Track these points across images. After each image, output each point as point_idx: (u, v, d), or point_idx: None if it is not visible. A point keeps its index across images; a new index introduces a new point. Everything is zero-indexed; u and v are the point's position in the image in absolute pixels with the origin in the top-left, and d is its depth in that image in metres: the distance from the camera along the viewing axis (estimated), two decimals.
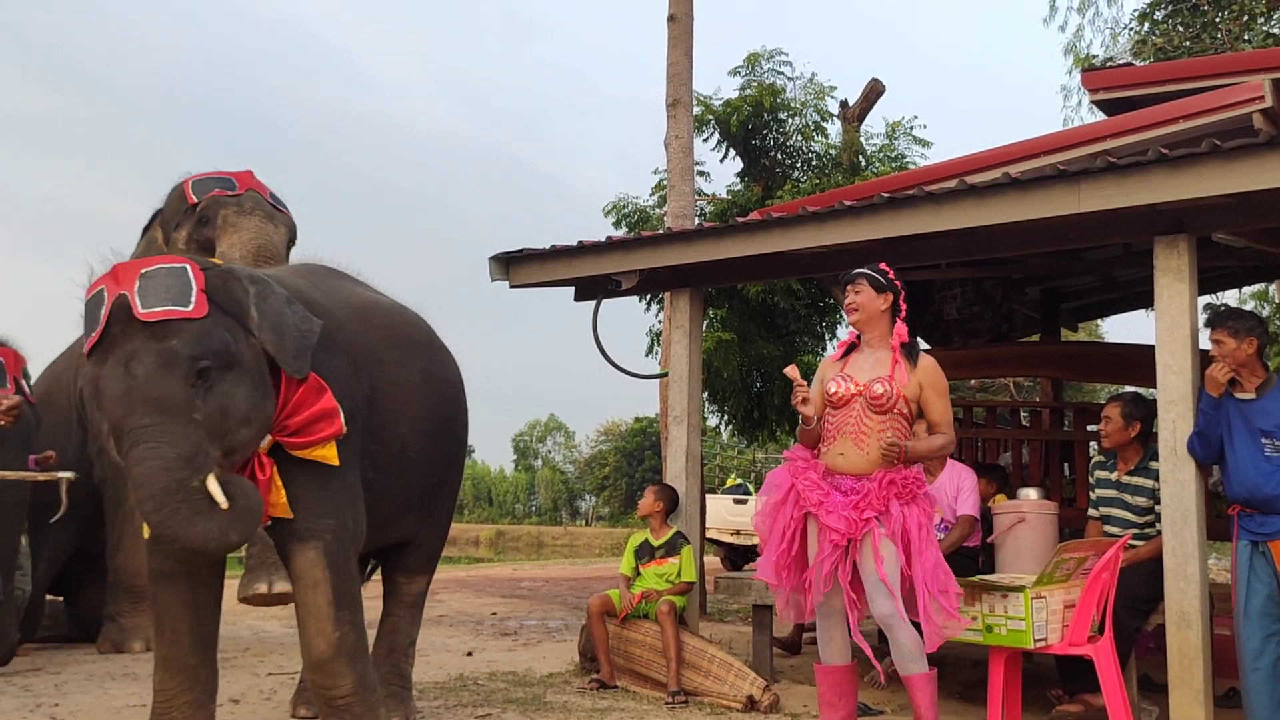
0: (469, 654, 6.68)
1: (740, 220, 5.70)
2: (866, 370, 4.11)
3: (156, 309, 3.27)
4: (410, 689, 4.61)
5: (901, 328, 4.18)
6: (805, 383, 4.09)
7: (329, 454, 3.61)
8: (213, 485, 3.25)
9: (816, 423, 4.14)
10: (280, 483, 3.56)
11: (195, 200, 4.79)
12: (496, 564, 21.24)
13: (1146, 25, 14.40)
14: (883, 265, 4.29)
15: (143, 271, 3.34)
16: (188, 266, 3.41)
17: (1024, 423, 8.89)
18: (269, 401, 3.50)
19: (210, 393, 3.30)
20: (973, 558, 5.43)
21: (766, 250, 5.39)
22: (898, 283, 4.25)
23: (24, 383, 5.58)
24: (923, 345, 8.58)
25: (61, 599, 7.16)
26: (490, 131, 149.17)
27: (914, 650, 3.92)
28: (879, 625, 4.00)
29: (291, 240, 5.13)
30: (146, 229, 5.15)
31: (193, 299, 3.33)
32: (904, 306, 4.23)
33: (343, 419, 3.63)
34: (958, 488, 5.44)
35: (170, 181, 5.31)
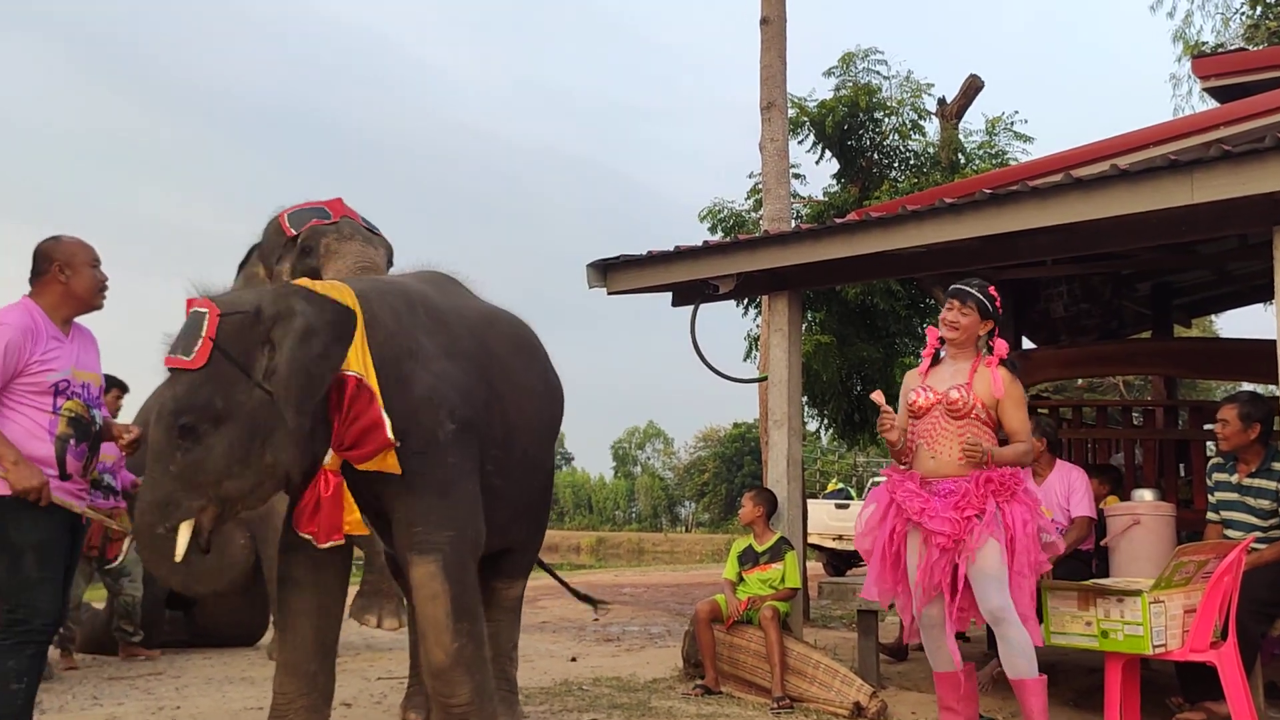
0: (573, 659, 6.73)
1: (838, 221, 5.64)
2: (946, 380, 4.19)
3: (171, 356, 3.42)
4: (516, 693, 4.66)
5: (1002, 344, 4.24)
6: (891, 409, 4.19)
7: (391, 463, 3.60)
8: (182, 535, 3.38)
9: (902, 443, 4.20)
10: (352, 500, 3.59)
11: (294, 233, 4.92)
12: (598, 570, 21.38)
13: (1259, 9, 13.84)
14: (992, 290, 4.28)
15: (188, 314, 3.46)
16: (206, 313, 3.43)
17: (1135, 422, 8.59)
18: (268, 453, 3.45)
19: (193, 446, 3.36)
20: (1085, 561, 5.28)
21: (866, 251, 5.32)
22: (999, 311, 4.32)
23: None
24: (1028, 344, 8.42)
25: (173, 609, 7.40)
26: (580, 139, 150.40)
27: (1026, 649, 3.87)
28: (989, 623, 3.93)
29: (389, 260, 5.26)
30: (244, 264, 5.29)
31: (196, 349, 3.38)
32: (997, 339, 4.27)
33: (389, 430, 3.54)
34: (1069, 488, 5.30)
35: (264, 211, 5.43)
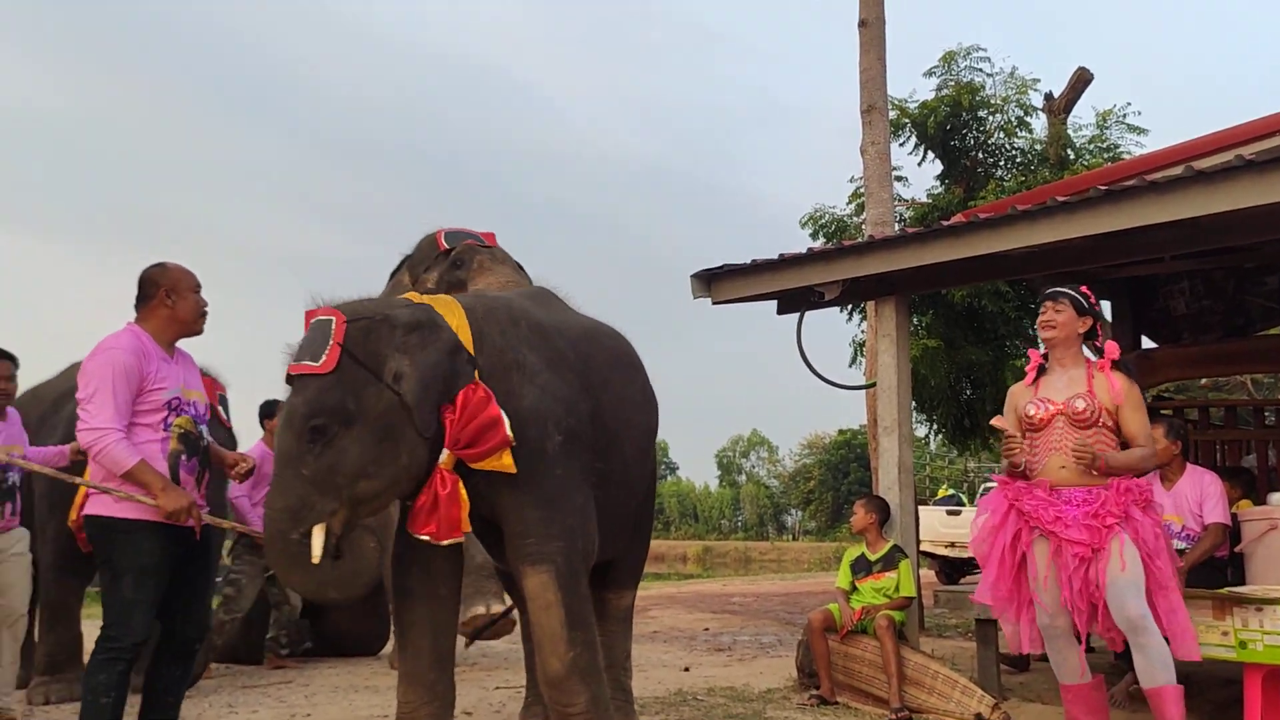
0: (686, 669, 6.74)
1: (945, 223, 5.55)
2: (1062, 389, 4.07)
3: (297, 364, 3.49)
4: (632, 703, 4.69)
5: (1112, 346, 4.13)
6: (1017, 435, 4.10)
7: (506, 462, 3.63)
8: (316, 539, 3.42)
9: (1023, 465, 4.09)
10: (466, 498, 3.61)
11: (448, 247, 5.06)
12: (705, 580, 21.33)
13: None
14: (1084, 289, 4.18)
15: (311, 322, 3.55)
16: (333, 319, 3.52)
17: (1268, 422, 8.23)
18: (402, 453, 3.53)
19: (326, 449, 3.43)
20: (1220, 569, 5.07)
21: (974, 253, 5.23)
22: (1097, 307, 4.21)
23: (222, 410, 5.98)
24: (1148, 344, 8.14)
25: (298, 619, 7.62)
26: (678, 151, 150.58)
27: (1164, 658, 3.75)
28: (1125, 633, 3.81)
29: None
30: (395, 273, 5.46)
31: (324, 354, 3.46)
32: (1101, 333, 4.18)
33: (508, 428, 3.60)
34: (1202, 493, 5.09)
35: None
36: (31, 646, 5.87)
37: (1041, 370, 4.22)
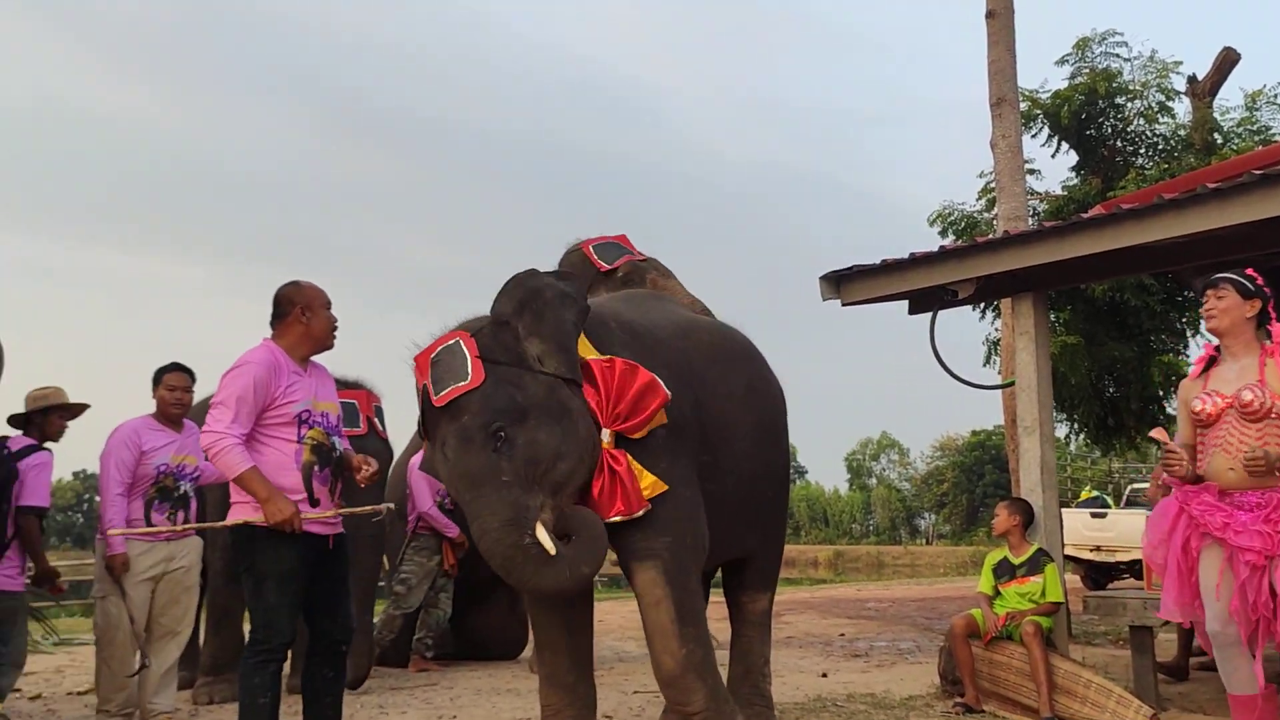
0: (824, 675, 6.67)
1: (1085, 216, 5.37)
2: (1231, 380, 3.82)
3: (444, 391, 3.55)
4: (772, 709, 4.67)
5: None
6: (1178, 449, 3.89)
7: (662, 416, 3.73)
8: (542, 535, 3.46)
9: (1191, 473, 3.87)
10: (640, 466, 3.68)
11: (606, 266, 5.13)
12: (839, 585, 21.06)
13: None
14: (1250, 270, 3.94)
15: (431, 359, 3.62)
16: (459, 340, 3.61)
17: None
18: (580, 426, 3.61)
19: (514, 449, 3.49)
20: None
21: (1118, 245, 5.04)
22: (1266, 289, 3.92)
23: (377, 421, 6.16)
24: None
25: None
26: (802, 151, 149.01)
27: None
28: None
29: None
30: None
31: (469, 370, 3.54)
32: (1274, 314, 3.89)
33: (664, 387, 3.70)
34: None
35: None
36: (196, 649, 6.20)
37: (1212, 362, 3.98)
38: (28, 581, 4.87)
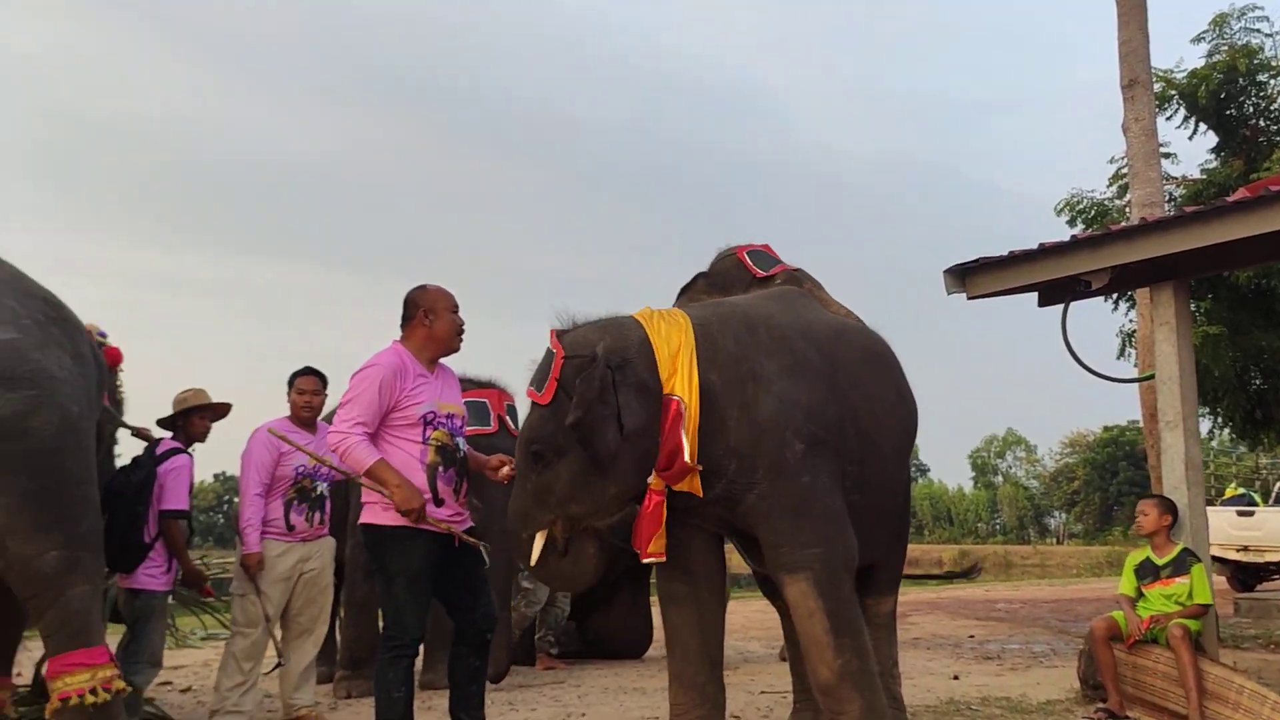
0: (955, 678, 6.51)
1: (1230, 199, 5.11)
2: None
3: (531, 389, 3.81)
4: (904, 711, 4.59)
5: None
6: None
7: (696, 485, 3.76)
8: (536, 543, 3.80)
9: None
10: (664, 518, 3.76)
11: (762, 273, 5.11)
12: (966, 585, 20.54)
13: None
14: None
15: (545, 352, 3.78)
16: (555, 354, 3.74)
17: None
18: (611, 483, 3.71)
19: (543, 472, 3.72)
20: None
21: (1267, 229, 4.78)
22: None
23: (509, 419, 6.24)
24: None
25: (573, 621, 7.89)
26: (919, 142, 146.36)
27: None
28: None
29: None
30: (687, 288, 5.55)
31: (545, 385, 3.72)
32: None
33: (687, 453, 3.68)
34: None
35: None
36: (333, 644, 6.40)
37: None
38: (177, 581, 5.08)
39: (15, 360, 3.65)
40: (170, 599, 5.11)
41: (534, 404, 3.78)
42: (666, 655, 4.06)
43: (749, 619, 10.26)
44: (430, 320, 4.00)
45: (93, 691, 3.67)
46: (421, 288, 4.09)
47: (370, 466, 3.77)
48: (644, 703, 5.63)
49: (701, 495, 3.76)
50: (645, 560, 3.81)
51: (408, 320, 4.05)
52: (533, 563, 3.84)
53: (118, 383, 5.30)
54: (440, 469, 3.94)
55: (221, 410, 5.29)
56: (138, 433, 5.11)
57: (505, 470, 4.04)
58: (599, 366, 3.65)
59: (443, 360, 4.13)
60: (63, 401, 3.74)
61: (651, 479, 3.75)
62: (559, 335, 3.81)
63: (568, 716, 5.31)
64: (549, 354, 3.76)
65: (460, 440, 4.07)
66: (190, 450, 5.13)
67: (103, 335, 5.29)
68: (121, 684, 3.76)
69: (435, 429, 3.95)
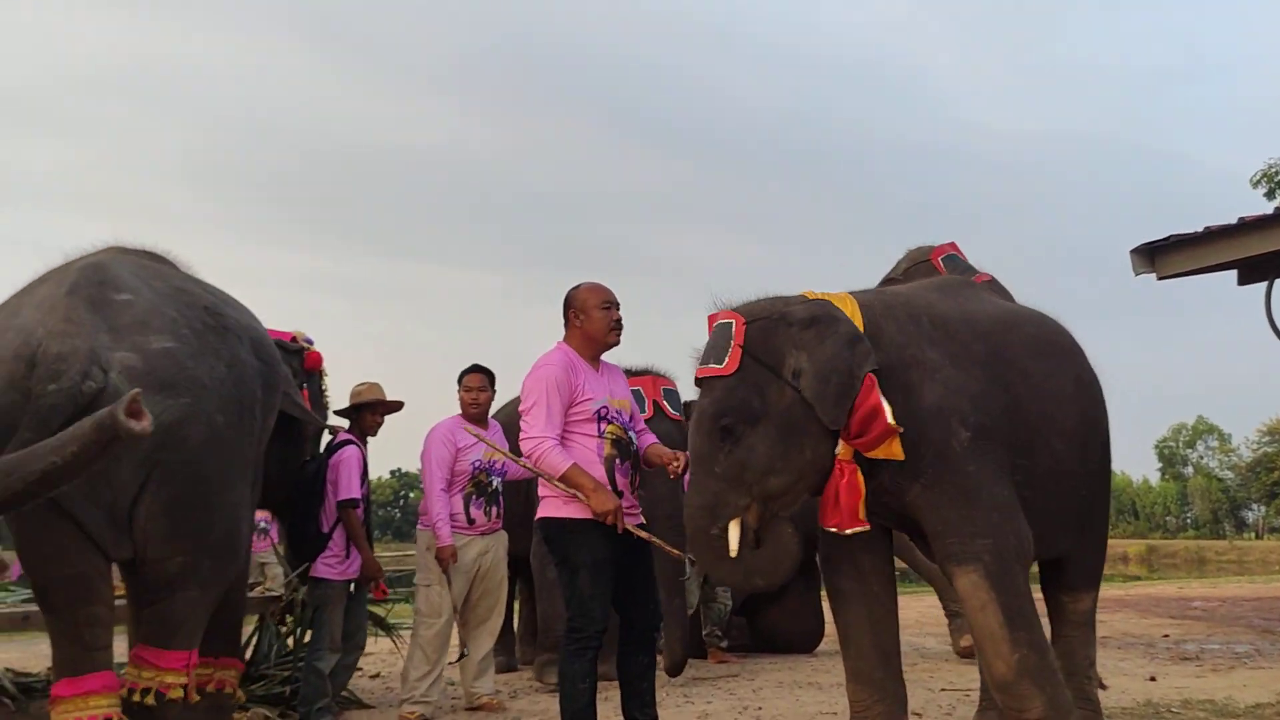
0: (1151, 679, 6.17)
1: None
2: None
3: (703, 367, 3.63)
4: (1100, 713, 4.36)
5: None
6: None
7: (895, 450, 3.58)
8: (732, 533, 3.52)
9: None
10: (862, 486, 3.59)
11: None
12: (1156, 582, 19.52)
13: None
14: None
15: (714, 326, 3.66)
16: (733, 323, 3.61)
17: None
18: (809, 448, 3.57)
19: (735, 446, 3.52)
20: None
21: None
22: None
23: (667, 404, 6.24)
24: None
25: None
26: (1091, 116, 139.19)
27: None
28: None
29: None
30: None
31: (727, 356, 3.57)
32: None
33: (889, 415, 3.53)
34: None
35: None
36: (511, 636, 6.57)
37: None
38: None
39: (173, 369, 3.83)
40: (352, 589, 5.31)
41: (711, 380, 3.63)
42: (841, 652, 3.99)
43: (923, 614, 10.01)
44: (581, 320, 4.09)
45: (144, 692, 3.77)
46: (575, 288, 4.18)
47: (565, 472, 3.85)
48: (820, 698, 5.56)
49: (902, 458, 3.63)
50: (848, 532, 3.62)
51: (566, 320, 4.15)
52: (733, 554, 3.57)
53: (322, 386, 5.62)
54: (617, 461, 3.99)
55: (393, 406, 5.51)
56: (334, 432, 5.38)
57: (676, 465, 4.04)
58: (800, 321, 3.63)
59: (605, 357, 4.19)
60: (210, 411, 3.91)
61: (840, 450, 3.62)
62: (732, 309, 3.75)
63: (743, 710, 5.28)
64: (722, 326, 3.66)
65: (633, 434, 4.13)
66: (362, 442, 5.34)
67: (308, 341, 5.63)
68: (178, 694, 3.86)
69: (609, 423, 4.01)
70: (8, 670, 5.18)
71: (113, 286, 3.95)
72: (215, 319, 4.21)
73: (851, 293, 3.99)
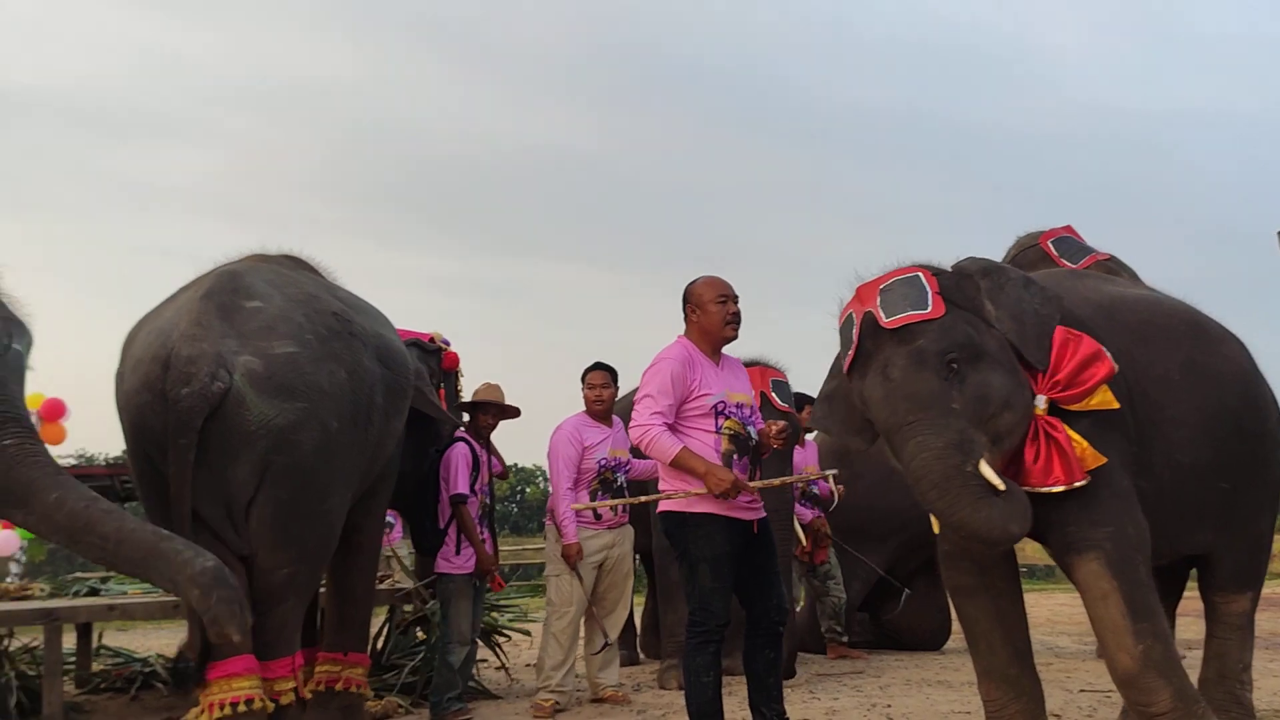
0: None
1: None
2: None
3: (899, 316, 3.45)
4: (1253, 717, 4.15)
5: None
6: None
7: (1107, 398, 3.48)
8: (986, 470, 3.29)
9: None
10: (1078, 434, 3.45)
11: (1071, 265, 4.87)
12: None
13: None
14: None
15: (881, 288, 3.53)
16: (920, 275, 3.52)
17: None
18: (1025, 388, 3.48)
19: (964, 382, 3.38)
20: None
21: None
22: None
23: (775, 395, 6.17)
24: None
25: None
26: (1232, 88, 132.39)
27: None
28: None
29: None
30: None
31: (929, 302, 3.45)
32: None
33: (1112, 359, 3.47)
34: None
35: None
36: (632, 629, 6.58)
37: None
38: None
39: (294, 373, 4.00)
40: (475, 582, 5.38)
41: (916, 326, 3.42)
42: (969, 650, 3.88)
43: (1054, 612, 9.72)
44: (698, 314, 4.08)
45: (234, 704, 3.83)
46: (692, 282, 4.17)
47: (675, 455, 3.84)
48: (952, 697, 5.42)
49: (1117, 406, 3.54)
50: (1076, 484, 3.41)
51: (685, 314, 4.15)
52: (1000, 486, 3.29)
53: (458, 386, 5.75)
54: (735, 457, 3.95)
55: (508, 411, 5.59)
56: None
57: (775, 430, 4.03)
58: (975, 272, 3.59)
59: (725, 351, 4.17)
60: (325, 417, 4.06)
61: (1041, 405, 3.49)
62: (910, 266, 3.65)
63: (871, 708, 5.19)
64: (909, 279, 3.52)
65: (752, 429, 4.08)
66: (477, 440, 5.44)
67: (445, 342, 5.79)
68: (289, 697, 4.02)
69: (726, 418, 3.98)
70: (159, 656, 5.43)
71: (244, 294, 4.17)
72: (342, 325, 4.36)
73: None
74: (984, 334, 3.50)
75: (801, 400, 6.38)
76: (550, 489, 5.44)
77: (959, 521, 3.36)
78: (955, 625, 7.67)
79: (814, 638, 7.17)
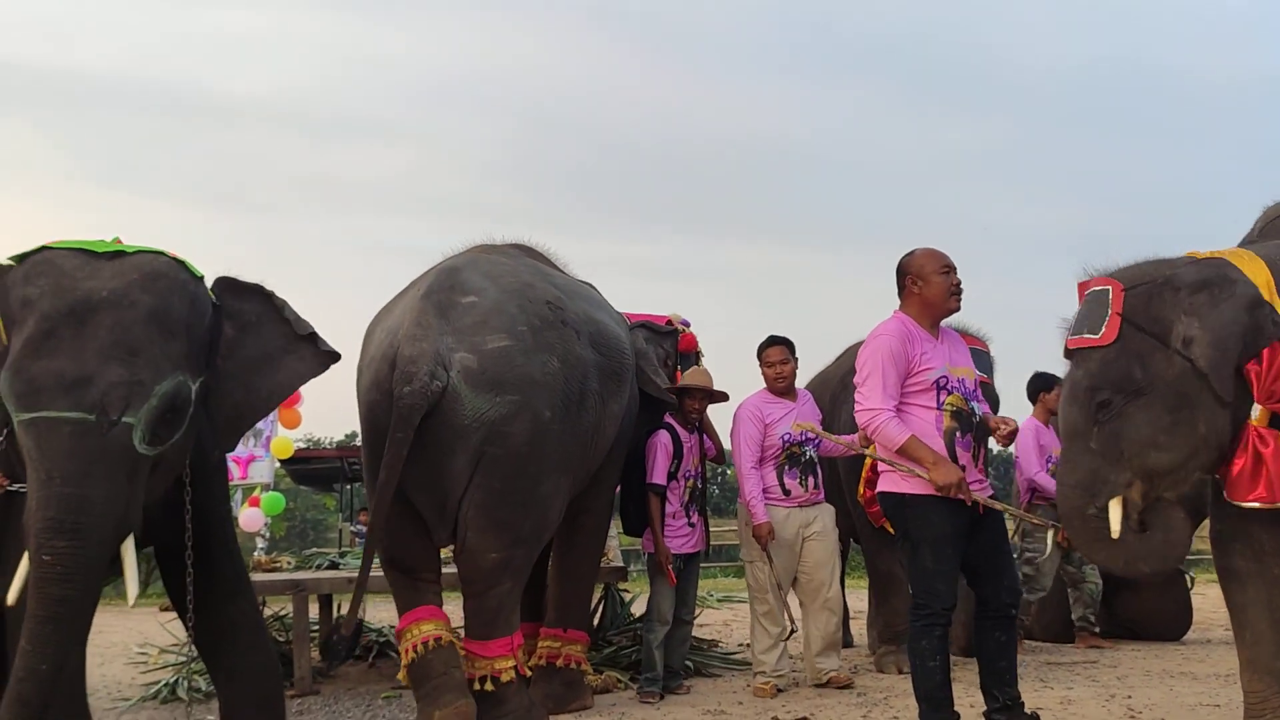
0: None
1: None
2: None
3: (1075, 337, 3.38)
4: None
5: None
6: None
7: None
8: (1113, 513, 3.27)
9: None
10: None
11: None
12: None
13: None
14: None
15: (1087, 294, 3.38)
16: (1109, 289, 3.31)
17: None
18: (1201, 421, 3.22)
19: (1111, 420, 3.27)
20: None
21: None
22: None
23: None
24: None
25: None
26: None
27: None
28: None
29: None
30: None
31: (1103, 326, 3.29)
32: None
33: None
34: None
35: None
36: (845, 611, 6.46)
37: None
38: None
39: (506, 367, 4.14)
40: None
41: (1085, 351, 3.38)
42: (1234, 639, 3.61)
43: None
44: (920, 286, 3.95)
45: (481, 680, 4.18)
46: (910, 254, 4.04)
47: (903, 444, 3.75)
48: (1198, 689, 5.07)
49: None
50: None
51: (901, 289, 4.02)
52: (1115, 535, 3.31)
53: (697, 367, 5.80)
54: (958, 434, 3.84)
55: (717, 396, 5.57)
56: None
57: (1004, 429, 3.92)
58: (1189, 284, 3.29)
59: (945, 324, 4.05)
60: (537, 407, 4.18)
61: (1257, 415, 3.26)
62: (1108, 275, 3.46)
63: (1110, 698, 4.90)
64: (1097, 294, 3.38)
65: (975, 405, 3.95)
66: (685, 425, 5.44)
67: (685, 323, 5.86)
68: (510, 675, 4.21)
69: (949, 394, 3.87)
70: (393, 627, 5.73)
71: (460, 290, 4.34)
72: (555, 313, 4.48)
73: (1252, 246, 3.58)
74: (1154, 366, 3.26)
75: (1049, 381, 6.28)
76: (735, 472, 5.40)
77: (1086, 555, 3.65)
78: (1197, 616, 7.23)
79: (1063, 626, 6.86)
